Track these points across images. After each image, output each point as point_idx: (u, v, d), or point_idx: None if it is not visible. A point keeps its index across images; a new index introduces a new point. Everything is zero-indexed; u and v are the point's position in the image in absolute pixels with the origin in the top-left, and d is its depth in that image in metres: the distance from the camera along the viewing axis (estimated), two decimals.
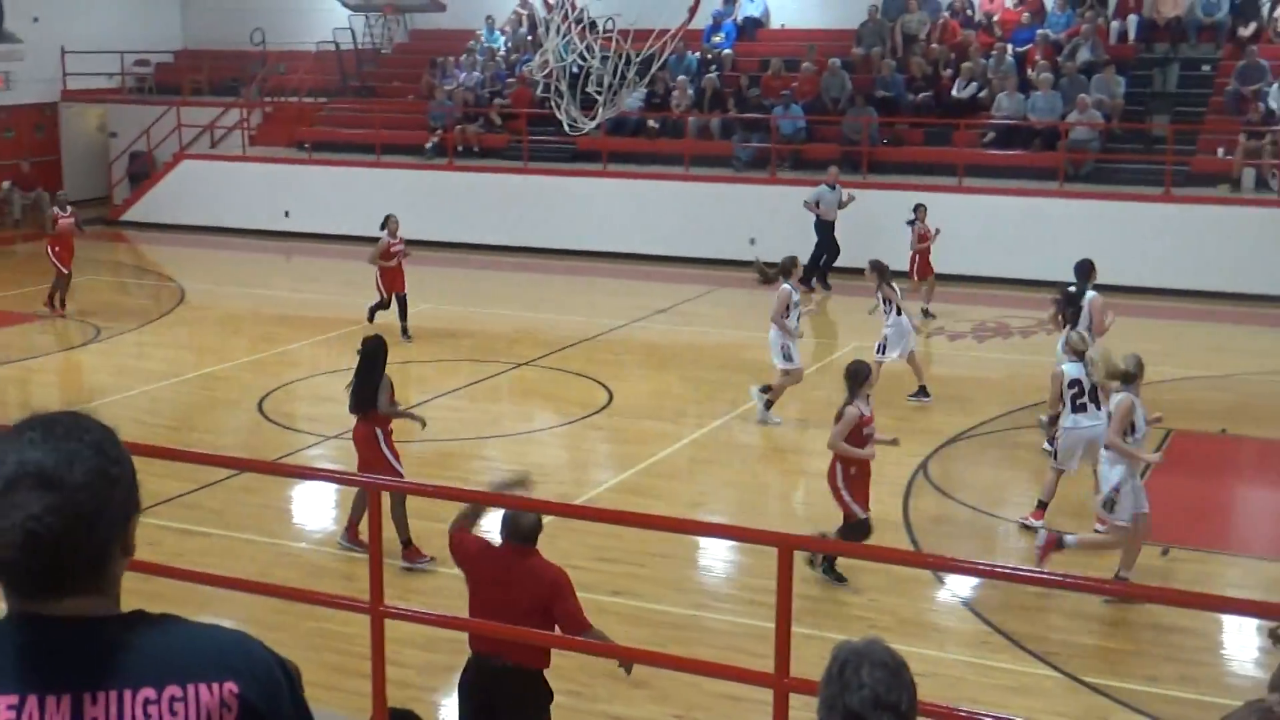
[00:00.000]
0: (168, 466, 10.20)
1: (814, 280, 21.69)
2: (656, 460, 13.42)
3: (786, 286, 14.96)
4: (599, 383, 16.35)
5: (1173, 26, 24.58)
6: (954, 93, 24.36)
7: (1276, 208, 20.91)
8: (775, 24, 28.13)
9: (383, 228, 18.39)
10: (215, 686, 2.17)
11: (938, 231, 19.48)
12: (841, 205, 21.75)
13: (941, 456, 13.62)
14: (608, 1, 15.52)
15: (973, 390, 16.04)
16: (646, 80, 16.81)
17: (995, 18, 25.67)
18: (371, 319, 18.14)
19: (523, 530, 7.05)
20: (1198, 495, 12.94)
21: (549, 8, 14.80)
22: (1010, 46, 24.83)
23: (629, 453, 13.78)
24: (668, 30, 13.85)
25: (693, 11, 13.95)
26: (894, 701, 3.05)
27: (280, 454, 13.62)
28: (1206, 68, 24.43)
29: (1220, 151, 22.44)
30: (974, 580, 10.49)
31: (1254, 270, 20.21)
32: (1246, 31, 24.02)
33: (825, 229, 21.95)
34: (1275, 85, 22.46)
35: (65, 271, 19.98)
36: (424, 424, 11.60)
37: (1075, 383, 11.29)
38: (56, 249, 19.93)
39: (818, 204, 21.75)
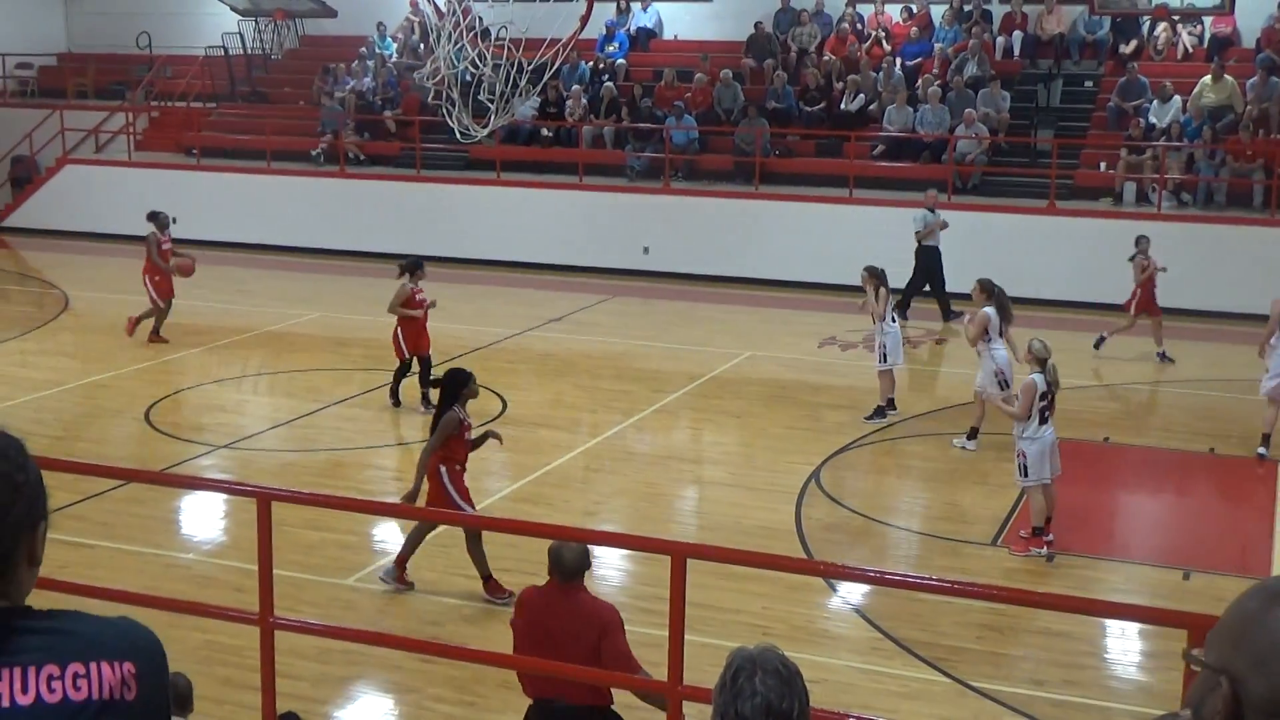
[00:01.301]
0: (53, 477, 9.87)
1: (943, 313, 20.29)
2: (551, 469, 13.42)
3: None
4: (493, 392, 16.28)
5: (1056, 43, 25.13)
6: (844, 105, 24.67)
7: (1157, 221, 21.42)
8: (668, 34, 28.28)
9: (405, 273, 15.51)
10: (117, 665, 2.24)
11: (1163, 268, 18.02)
12: (943, 227, 20.18)
13: (833, 465, 13.77)
14: (500, 10, 15.53)
15: (864, 399, 16.21)
16: (539, 89, 16.81)
17: (884, 31, 26.02)
18: (396, 397, 15.61)
19: (567, 567, 6.69)
20: (1082, 502, 13.21)
21: (440, 15, 14.73)
22: (899, 60, 25.21)
23: (523, 462, 13.76)
24: (560, 39, 13.87)
25: (584, 20, 13.98)
26: (785, 709, 3.09)
27: (168, 464, 13.41)
28: (1089, 84, 25.01)
29: (1102, 166, 22.96)
30: (865, 587, 10.62)
31: (1090, 280, 20.66)
32: (1127, 49, 24.61)
33: (929, 255, 20.26)
34: (1155, 102, 23.04)
35: None
36: (501, 438, 10.89)
37: (1044, 394, 11.32)
38: None
39: (924, 229, 20.15)
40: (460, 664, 8.69)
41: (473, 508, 10.37)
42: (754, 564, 8.68)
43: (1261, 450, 14.19)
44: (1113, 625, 10.12)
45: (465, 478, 10.32)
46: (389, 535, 11.69)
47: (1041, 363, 11.30)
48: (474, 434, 10.43)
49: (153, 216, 18.62)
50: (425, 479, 10.13)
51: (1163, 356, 18.04)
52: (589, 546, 6.93)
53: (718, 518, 12.44)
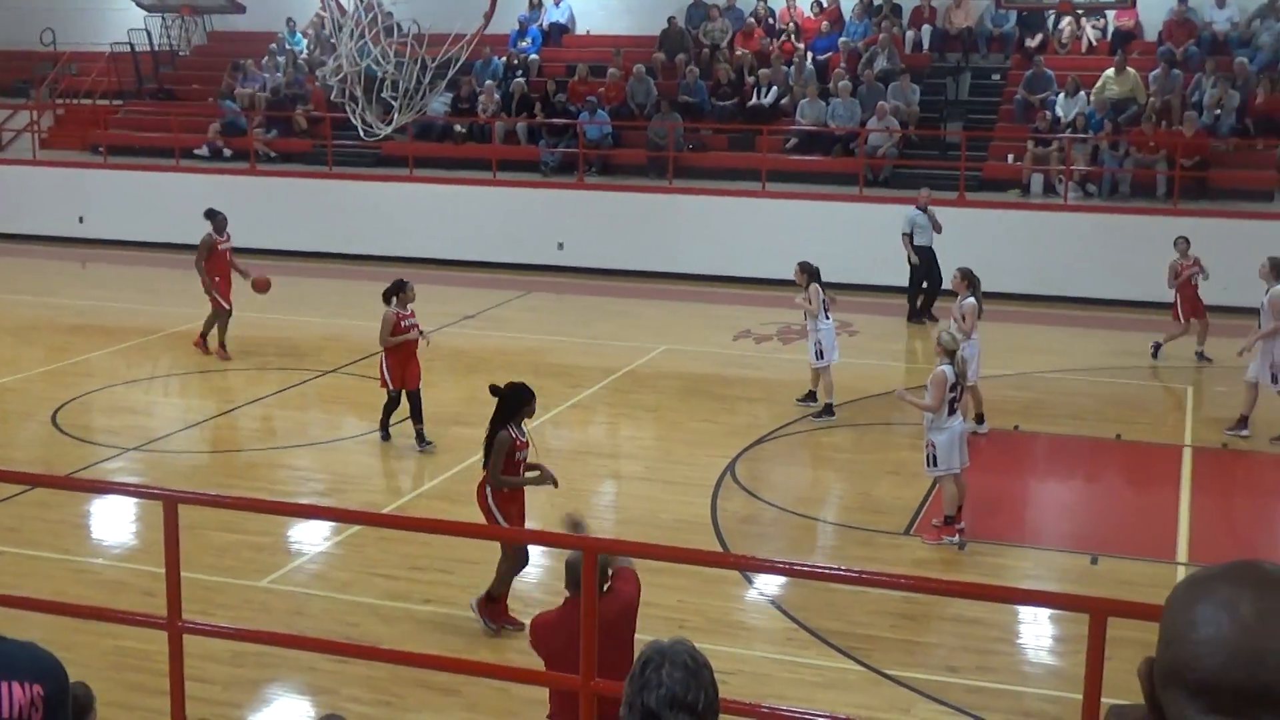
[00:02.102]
0: None
1: (923, 315, 20.06)
2: (466, 466, 13.35)
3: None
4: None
5: (964, 37, 25.42)
6: (756, 99, 24.79)
7: (1063, 212, 21.77)
8: (580, 30, 28.26)
9: (390, 297, 13.96)
10: (27, 687, 2.27)
11: (1200, 270, 17.42)
12: (937, 229, 19.65)
13: (748, 457, 13.84)
14: (407, 5, 15.43)
15: (778, 392, 16.34)
16: (445, 85, 16.72)
17: (795, 25, 26.17)
18: (386, 431, 14.18)
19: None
20: (993, 490, 13.39)
21: (343, 11, 14.61)
22: (810, 54, 25.38)
23: (438, 460, 13.70)
24: (465, 35, 13.80)
25: (488, 17, 13.92)
26: (691, 701, 3.12)
27: (76, 468, 13.21)
28: (996, 77, 25.33)
29: (1010, 158, 23.26)
30: (781, 579, 10.70)
31: (1044, 272, 21.00)
32: (1033, 42, 24.96)
33: (922, 255, 19.81)
34: (1061, 94, 23.38)
35: None
36: (555, 483, 9.96)
37: (953, 385, 11.39)
38: None
39: (912, 232, 19.72)
40: (376, 664, 8.65)
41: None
42: (668, 558, 8.71)
43: (1239, 432, 14.48)
44: (1024, 611, 10.27)
45: (516, 499, 9.64)
46: (303, 536, 11.60)
47: (950, 354, 11.43)
48: (528, 453, 9.62)
49: (210, 215, 17.75)
50: (478, 496, 9.57)
51: (1200, 356, 17.81)
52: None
53: (634, 512, 12.47)
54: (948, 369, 11.34)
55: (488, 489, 9.53)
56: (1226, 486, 13.74)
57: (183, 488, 11.61)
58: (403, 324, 13.82)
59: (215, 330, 17.57)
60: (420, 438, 13.90)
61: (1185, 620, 1.78)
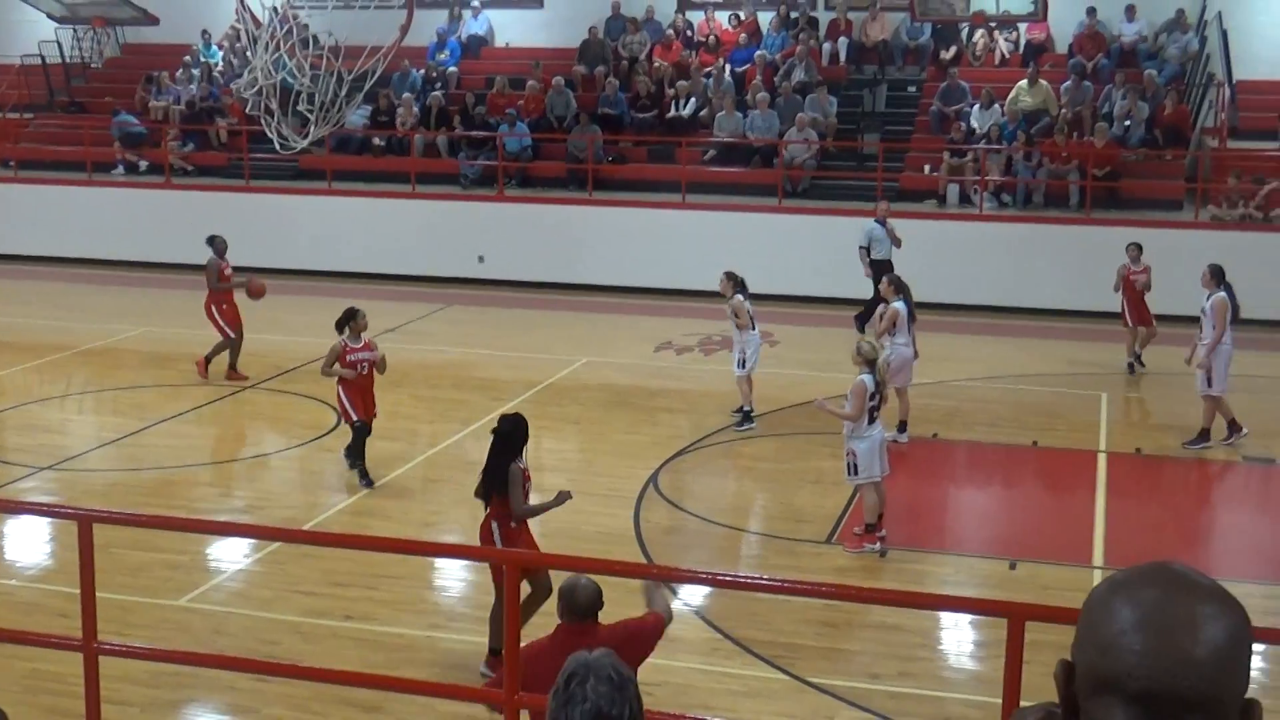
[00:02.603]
0: None
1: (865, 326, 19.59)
2: (388, 480, 13.28)
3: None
4: (328, 404, 16.07)
5: (880, 49, 25.68)
6: (675, 111, 24.88)
7: (979, 222, 22.04)
8: (499, 42, 28.22)
9: (342, 326, 13.25)
10: None
11: (1146, 279, 17.44)
12: (896, 243, 19.25)
13: (671, 469, 13.87)
14: (323, 18, 15.33)
15: (700, 403, 16.39)
16: (362, 98, 16.63)
17: (713, 37, 26.30)
18: (367, 478, 13.15)
19: (579, 606, 6.21)
20: (913, 498, 13.52)
21: (258, 24, 14.48)
22: (729, 67, 25.52)
23: None
24: (380, 47, 13.74)
25: (404, 30, 13.87)
26: (616, 715, 3.11)
27: None
28: (912, 89, 25.60)
29: (926, 169, 23.52)
30: (704, 589, 10.72)
31: (960, 281, 21.23)
32: (948, 55, 25.27)
33: (879, 270, 18.80)
34: (975, 106, 23.69)
35: None
36: (570, 495, 9.61)
37: (873, 394, 11.49)
38: None
39: (869, 245, 19.37)
40: (298, 682, 8.57)
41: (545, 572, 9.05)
42: (591, 570, 8.69)
43: (1232, 440, 14.67)
44: (944, 616, 10.36)
45: (524, 532, 9.33)
46: (222, 554, 11.47)
47: (870, 363, 11.52)
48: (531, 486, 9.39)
49: (210, 241, 17.25)
50: (482, 539, 9.28)
51: (1133, 365, 17.94)
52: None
53: (557, 525, 12.40)
54: (868, 378, 11.43)
55: (494, 525, 9.19)
56: (1140, 491, 13.96)
57: (98, 506, 11.43)
58: (349, 357, 13.01)
59: (225, 354, 17.15)
60: (363, 476, 13.12)
61: (1115, 628, 1.80)
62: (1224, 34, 23.51)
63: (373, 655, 9.43)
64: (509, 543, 9.15)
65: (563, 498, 9.47)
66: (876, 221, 19.43)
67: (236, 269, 17.47)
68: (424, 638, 9.86)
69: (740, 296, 15.02)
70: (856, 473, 11.55)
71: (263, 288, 17.20)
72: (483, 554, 9.55)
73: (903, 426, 14.78)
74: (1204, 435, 14.64)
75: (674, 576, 10.39)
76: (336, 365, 13.01)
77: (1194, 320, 19.14)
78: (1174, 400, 16.90)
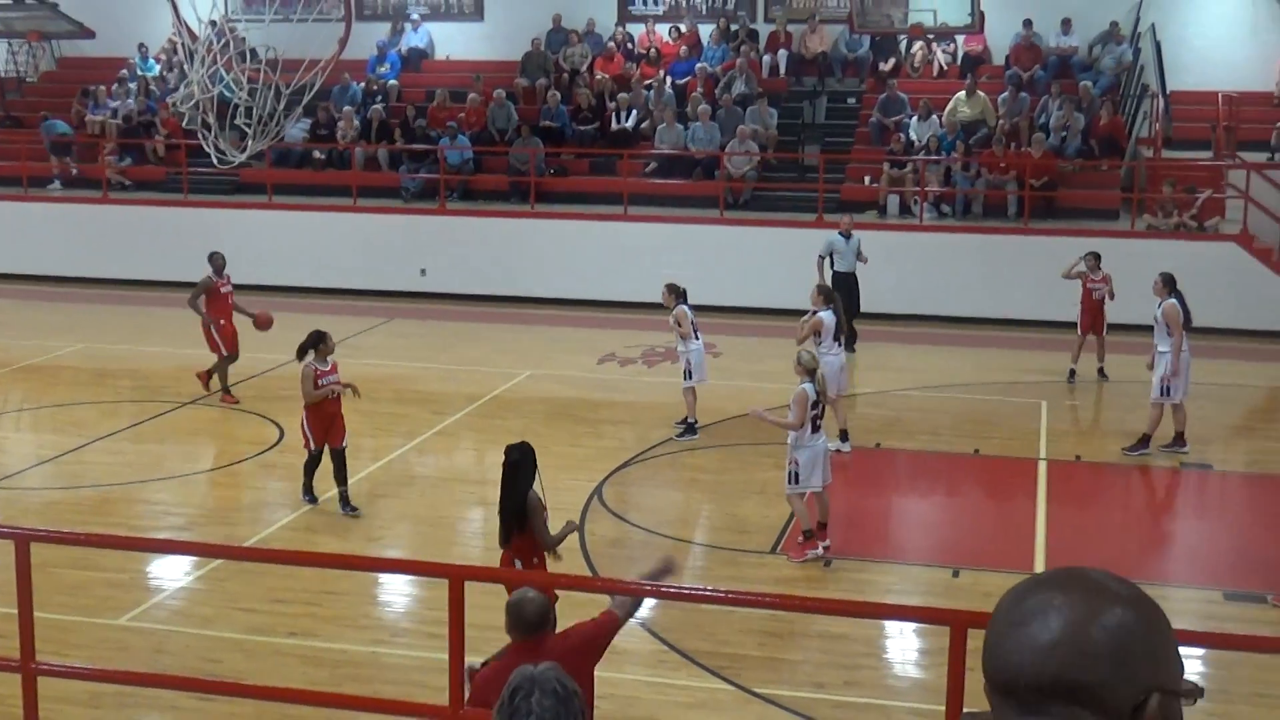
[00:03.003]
0: None
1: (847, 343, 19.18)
2: (332, 496, 13.19)
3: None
4: (270, 420, 15.99)
5: (820, 61, 25.83)
6: (617, 123, 24.92)
7: (918, 232, 22.21)
8: (440, 55, 28.17)
9: (307, 350, 12.88)
10: None
11: (1108, 289, 17.69)
12: (860, 259, 19.30)
13: (615, 481, 13.87)
14: (261, 31, 15.24)
15: (643, 414, 16.41)
16: (301, 111, 16.55)
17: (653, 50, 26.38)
18: (311, 494, 12.99)
19: (528, 620, 6.07)
20: (856, 507, 13.60)
21: (195, 37, 14.38)
22: (669, 79, 25.60)
23: (300, 490, 13.49)
24: (319, 61, 13.68)
25: (343, 43, 13.81)
26: None
27: None
28: (851, 100, 25.78)
29: (867, 179, 23.68)
30: (649, 601, 10.71)
31: (900, 291, 21.38)
32: (886, 67, 25.47)
33: (840, 282, 18.97)
34: (914, 117, 23.88)
35: None
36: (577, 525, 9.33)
37: (814, 404, 11.54)
38: None
39: (831, 255, 19.38)
40: (241, 700, 8.50)
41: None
42: (535, 584, 8.68)
43: (1177, 449, 14.74)
44: (888, 625, 10.43)
45: (541, 565, 8.94)
46: (162, 572, 11.36)
47: (810, 373, 11.59)
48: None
49: (210, 258, 16.96)
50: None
51: (1074, 372, 18.13)
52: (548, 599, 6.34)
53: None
54: (809, 387, 11.49)
55: (517, 565, 8.75)
56: (1080, 497, 14.09)
57: (35, 525, 11.30)
58: (319, 382, 12.68)
59: (218, 376, 16.84)
60: (344, 501, 12.74)
61: (989, 628, 1.89)
62: (1157, 46, 23.83)
63: (316, 672, 9.37)
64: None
65: (571, 527, 9.38)
66: (840, 234, 19.50)
67: (176, 284, 17.30)
68: (368, 654, 9.81)
69: (683, 306, 15.10)
70: (797, 481, 11.60)
71: (270, 320, 16.86)
72: (426, 568, 9.51)
73: (844, 435, 14.89)
74: (1144, 441, 14.79)
75: (619, 589, 10.36)
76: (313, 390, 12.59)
77: (1132, 328, 19.41)
78: (1113, 407, 17.11)
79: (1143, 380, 15.27)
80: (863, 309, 19.56)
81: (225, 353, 16.80)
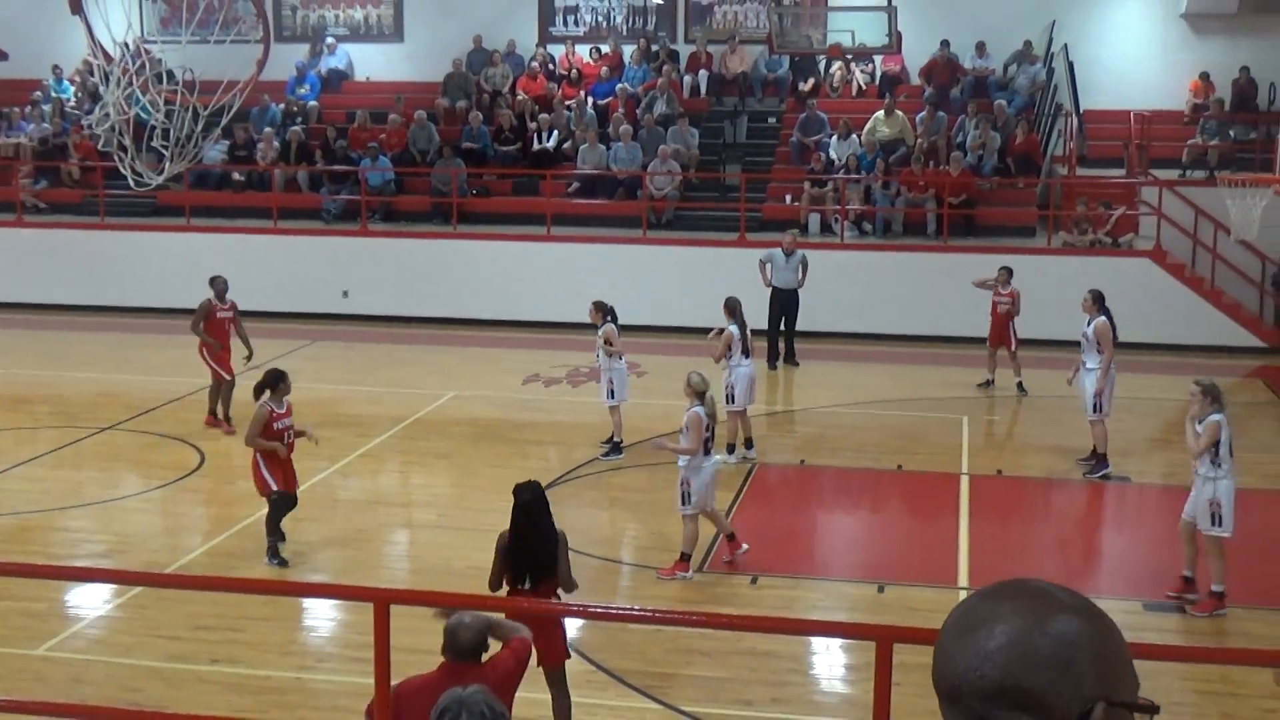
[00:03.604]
0: None
1: (787, 359, 20.05)
2: (254, 521, 13.04)
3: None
4: (191, 444, 15.80)
5: (740, 82, 26.01)
6: (539, 144, 24.93)
7: (840, 250, 22.38)
8: (360, 76, 28.05)
9: (264, 390, 12.04)
10: None
11: (1013, 305, 18.05)
12: (800, 282, 19.72)
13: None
14: (177, 52, 15.09)
15: (569, 434, 16.40)
16: (219, 133, 16.40)
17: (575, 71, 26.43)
18: (279, 556, 11.91)
19: (462, 646, 6.06)
20: (781, 524, 13.67)
21: (109, 59, 14.21)
22: (591, 99, 25.65)
23: (224, 515, 13.36)
24: (237, 82, 13.56)
25: (261, 64, 13.71)
26: None
27: None
28: (772, 120, 25.97)
29: (788, 198, 23.85)
30: (577, 621, 10.69)
31: (822, 309, 21.52)
32: (806, 87, 25.69)
33: (775, 298, 19.73)
34: (834, 137, 24.10)
35: None
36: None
37: (708, 425, 11.61)
38: None
39: (767, 269, 19.74)
40: None
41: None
42: (463, 606, 8.63)
43: (1090, 467, 14.84)
44: (815, 641, 10.48)
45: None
46: (81, 600, 11.18)
47: (700, 395, 11.65)
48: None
49: (211, 281, 16.57)
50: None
51: (990, 383, 18.46)
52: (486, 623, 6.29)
53: (428, 560, 12.36)
54: (700, 410, 11.59)
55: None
56: (1002, 511, 14.25)
57: None
58: (275, 425, 11.90)
59: (218, 401, 16.47)
60: (273, 551, 11.92)
61: (938, 639, 1.89)
62: (1070, 66, 24.23)
63: (240, 699, 9.26)
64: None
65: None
66: (782, 250, 19.75)
67: (94, 309, 17.04)
68: (293, 679, 9.71)
69: (611, 324, 15.16)
70: (689, 502, 11.70)
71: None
72: (351, 592, 9.44)
73: (732, 448, 15.12)
74: (1102, 460, 14.86)
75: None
76: (262, 435, 11.84)
77: (1050, 343, 19.70)
78: (1032, 421, 17.32)
79: (1060, 395, 15.48)
80: (766, 326, 19.72)
81: (226, 377, 16.36)
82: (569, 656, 8.56)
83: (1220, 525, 10.83)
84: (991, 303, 18.26)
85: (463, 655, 6.11)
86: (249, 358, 16.45)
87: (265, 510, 12.15)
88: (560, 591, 8.56)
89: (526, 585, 8.36)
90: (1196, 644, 10.32)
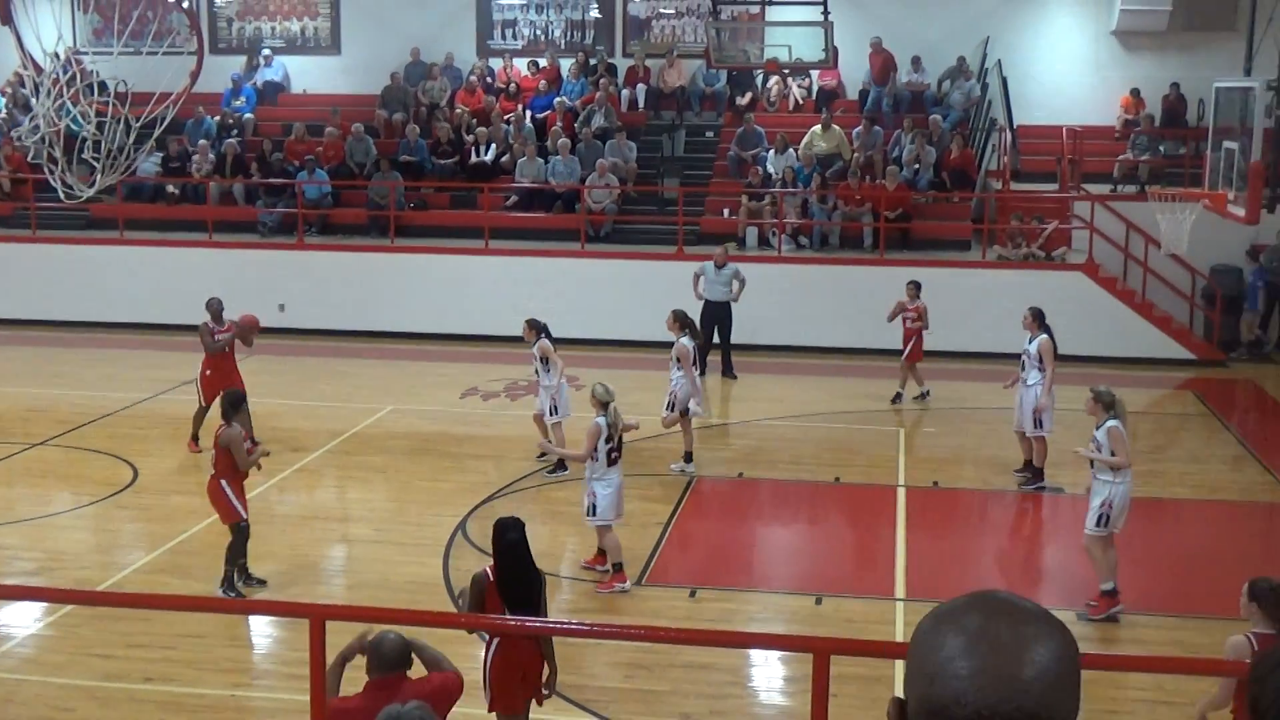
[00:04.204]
0: None
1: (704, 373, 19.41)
2: (188, 536, 12.93)
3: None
4: (123, 460, 15.62)
5: (678, 95, 26.09)
6: (477, 157, 24.88)
7: (777, 264, 22.49)
8: (296, 89, 27.87)
9: (233, 413, 11.68)
10: None
11: (921, 319, 18.18)
12: (734, 296, 19.72)
13: (480, 515, 13.78)
14: (110, 64, 14.95)
15: (507, 448, 16.35)
16: (152, 145, 16.25)
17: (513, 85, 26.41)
18: (242, 578, 11.65)
19: (386, 658, 6.03)
20: (719, 537, 13.70)
21: (39, 70, 14.06)
22: (529, 113, 25.64)
23: (158, 531, 13.22)
24: (171, 94, 13.45)
25: (194, 75, 13.62)
26: None
27: None
28: (710, 134, 26.06)
29: (725, 212, 23.93)
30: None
31: (760, 322, 21.61)
32: (743, 101, 25.80)
33: (706, 310, 19.61)
34: (771, 151, 24.22)
35: None
36: None
37: (609, 437, 11.66)
38: None
39: (700, 281, 19.75)
40: None
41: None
42: (400, 621, 8.59)
43: (1040, 484, 14.90)
44: (753, 654, 10.51)
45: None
46: (11, 619, 11.02)
47: (604, 406, 11.70)
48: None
49: (207, 304, 16.19)
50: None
51: (900, 395, 18.63)
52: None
53: (365, 575, 12.29)
54: (601, 421, 11.64)
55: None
56: (938, 523, 14.36)
57: None
58: (252, 454, 11.67)
59: (193, 420, 16.12)
60: (228, 581, 11.53)
61: (942, 655, 1.81)
62: (1004, 81, 24.50)
63: (174, 718, 9.17)
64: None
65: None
66: (714, 263, 19.79)
67: (25, 323, 16.81)
68: (227, 697, 9.62)
69: (545, 340, 15.13)
70: (595, 514, 11.76)
71: (252, 323, 16.25)
72: (286, 609, 9.36)
73: (689, 458, 15.27)
74: (1039, 474, 15.02)
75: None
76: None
77: (985, 356, 19.88)
78: (967, 434, 17.45)
79: (995, 407, 15.60)
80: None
81: (203, 402, 15.90)
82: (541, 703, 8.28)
83: (1105, 525, 11.01)
84: (900, 317, 18.46)
85: (388, 666, 6.09)
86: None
87: (201, 525, 12.04)
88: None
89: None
90: (1129, 653, 10.44)
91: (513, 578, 8.03)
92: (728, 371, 20.17)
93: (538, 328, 15.22)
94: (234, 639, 10.83)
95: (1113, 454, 10.94)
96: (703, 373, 19.60)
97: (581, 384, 18.97)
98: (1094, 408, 11.18)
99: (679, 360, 15.16)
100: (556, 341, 15.45)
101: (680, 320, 15.41)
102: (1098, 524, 11.03)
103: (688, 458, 15.35)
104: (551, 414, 15.21)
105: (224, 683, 9.86)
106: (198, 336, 16.18)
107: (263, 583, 11.75)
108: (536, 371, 15.34)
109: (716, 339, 19.97)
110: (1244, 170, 16.98)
